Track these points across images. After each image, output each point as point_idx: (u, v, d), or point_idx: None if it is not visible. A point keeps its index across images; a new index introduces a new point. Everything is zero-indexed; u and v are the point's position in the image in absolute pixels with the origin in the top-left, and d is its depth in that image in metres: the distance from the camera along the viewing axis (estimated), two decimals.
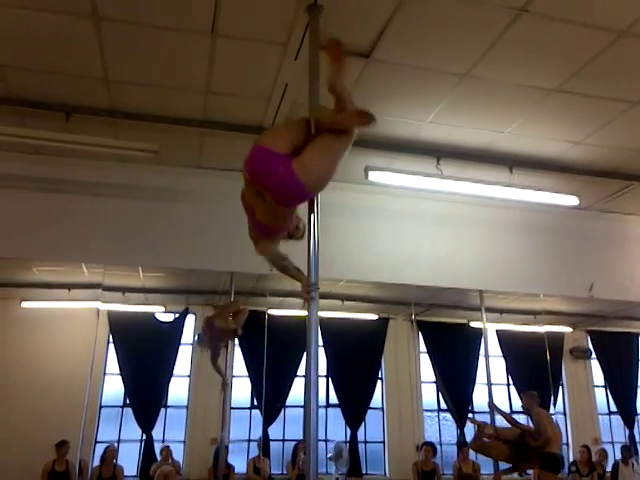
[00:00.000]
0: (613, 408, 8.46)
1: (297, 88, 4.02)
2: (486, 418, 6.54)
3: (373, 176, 4.93)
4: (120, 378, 6.86)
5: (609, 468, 7.79)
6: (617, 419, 8.43)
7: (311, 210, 2.57)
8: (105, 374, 7.07)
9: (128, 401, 6.95)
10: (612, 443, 8.27)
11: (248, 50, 3.82)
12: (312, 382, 2.13)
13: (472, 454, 7.47)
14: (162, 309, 7.17)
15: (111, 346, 7.06)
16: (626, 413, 8.40)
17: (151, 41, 3.74)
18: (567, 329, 8.31)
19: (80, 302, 6.66)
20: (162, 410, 7.02)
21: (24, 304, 6.68)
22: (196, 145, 5.05)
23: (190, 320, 7.37)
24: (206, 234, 5.28)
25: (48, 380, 6.52)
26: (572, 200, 5.39)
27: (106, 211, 5.14)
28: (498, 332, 8.09)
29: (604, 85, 4.18)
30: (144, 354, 6.73)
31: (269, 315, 6.47)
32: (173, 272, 6.27)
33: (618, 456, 7.89)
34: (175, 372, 7.00)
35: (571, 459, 7.71)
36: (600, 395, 8.52)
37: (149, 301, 7.07)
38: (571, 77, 4.08)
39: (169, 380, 7.02)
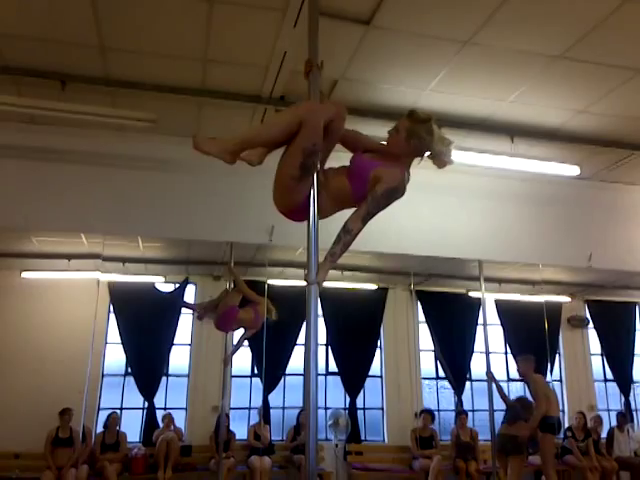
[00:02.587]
0: (609, 376, 8.58)
1: (296, 56, 3.96)
2: (483, 386, 6.62)
3: None
4: (121, 347, 6.93)
5: (604, 434, 7.94)
6: (613, 386, 8.55)
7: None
8: (106, 343, 7.14)
9: (130, 370, 7.04)
10: (607, 410, 8.41)
11: (246, 16, 3.75)
12: (312, 351, 2.15)
13: (470, 421, 7.61)
14: (162, 279, 7.20)
15: (112, 316, 7.11)
16: (622, 381, 8.51)
17: (147, 7, 3.66)
18: (565, 298, 8.37)
19: (80, 272, 6.68)
20: (163, 379, 7.12)
21: (24, 274, 6.70)
22: (194, 114, 5.00)
23: (190, 290, 7.41)
24: (205, 204, 5.27)
25: (50, 350, 6.59)
26: (573, 170, 5.37)
27: (104, 181, 5.12)
28: (497, 302, 8.14)
29: (608, 52, 4.11)
30: (145, 324, 6.78)
31: (269, 285, 6.49)
32: (173, 242, 6.27)
33: (613, 423, 8.03)
34: (176, 341, 7.06)
35: (567, 425, 7.85)
36: (596, 363, 8.64)
37: (149, 271, 7.08)
38: (575, 44, 4.01)
39: (170, 349, 7.09)
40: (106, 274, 6.77)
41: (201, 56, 4.20)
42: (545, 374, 7.36)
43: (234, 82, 4.53)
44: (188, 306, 6.67)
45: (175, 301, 7.18)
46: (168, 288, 7.34)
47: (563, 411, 8.13)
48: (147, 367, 7.00)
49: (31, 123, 4.90)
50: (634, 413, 8.52)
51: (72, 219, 5.06)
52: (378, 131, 4.92)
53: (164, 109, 4.65)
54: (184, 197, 5.25)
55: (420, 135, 2.32)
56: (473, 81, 4.51)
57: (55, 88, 4.32)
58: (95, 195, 5.07)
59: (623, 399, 8.48)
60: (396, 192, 2.34)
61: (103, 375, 7.08)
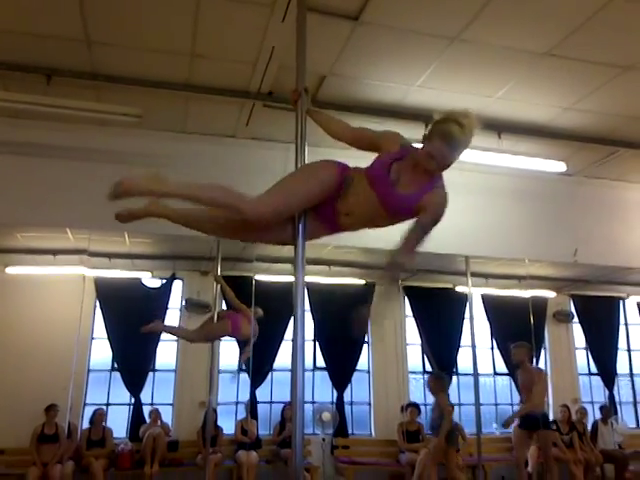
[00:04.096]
0: (593, 369, 8.69)
1: (284, 51, 3.94)
2: (469, 380, 6.68)
3: None
4: (108, 343, 6.90)
5: (589, 427, 8.03)
6: (597, 380, 8.66)
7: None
8: (92, 339, 7.11)
9: (116, 365, 7.01)
10: (592, 403, 8.51)
11: (233, 11, 3.72)
12: (299, 346, 2.17)
13: (455, 415, 7.66)
14: (149, 275, 7.17)
15: (98, 311, 7.07)
16: (606, 374, 8.62)
17: (134, 1, 3.62)
18: (551, 293, 8.45)
19: (66, 267, 6.63)
20: (150, 374, 7.10)
21: (9, 270, 6.64)
22: (181, 109, 4.96)
23: (177, 286, 7.38)
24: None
25: (35, 345, 6.54)
26: (559, 166, 5.41)
27: (90, 176, 5.05)
28: (483, 296, 8.20)
29: (595, 49, 4.13)
30: (131, 319, 6.72)
31: (256, 281, 6.48)
32: (159, 238, 6.23)
33: (597, 416, 8.13)
34: (163, 337, 7.03)
35: (551, 418, 7.93)
36: (581, 357, 8.74)
37: (136, 267, 7.05)
38: (562, 41, 4.02)
39: (157, 345, 7.07)
40: (92, 269, 6.73)
41: (188, 51, 4.17)
42: None
43: (221, 77, 4.50)
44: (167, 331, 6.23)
45: (162, 297, 7.16)
46: (155, 284, 7.32)
47: (548, 404, 8.23)
48: (134, 363, 6.98)
49: (16, 118, 4.83)
50: (618, 406, 8.64)
51: (57, 214, 5.00)
52: (366, 126, 4.95)
53: (150, 104, 4.60)
54: None
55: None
56: (461, 77, 4.52)
57: (40, 82, 4.27)
58: (80, 190, 5.01)
59: (607, 392, 8.59)
60: (443, 213, 2.17)
61: (89, 371, 7.05)
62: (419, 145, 2.17)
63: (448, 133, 2.05)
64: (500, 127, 5.20)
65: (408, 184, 2.13)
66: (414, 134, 4.98)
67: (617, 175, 6.28)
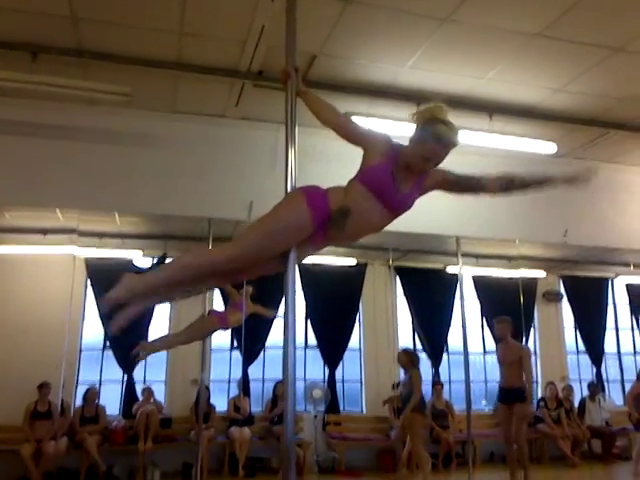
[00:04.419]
0: (582, 348, 8.81)
1: (274, 30, 3.89)
2: (460, 359, 6.76)
3: None
4: (100, 322, 6.91)
5: (576, 403, 8.17)
6: (585, 358, 8.80)
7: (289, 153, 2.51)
8: (84, 318, 7.12)
9: (108, 344, 7.04)
10: (579, 381, 8.65)
11: None
12: (290, 324, 2.19)
13: (445, 392, 7.78)
14: (140, 254, 7.16)
15: (89, 291, 7.08)
16: (594, 352, 8.75)
17: None
18: (541, 273, 8.52)
19: (56, 247, 6.61)
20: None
21: None
22: (170, 89, 4.92)
23: None
24: (182, 179, 5.21)
25: (26, 324, 6.56)
26: (550, 147, 5.41)
27: (79, 155, 5.03)
28: (474, 277, 8.26)
29: (586, 31, 4.11)
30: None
31: None
32: (150, 217, 6.22)
33: (585, 393, 8.27)
34: (154, 315, 7.05)
35: (540, 396, 8.07)
36: (570, 336, 8.86)
37: (126, 246, 7.04)
38: (554, 22, 4.00)
39: (149, 323, 7.08)
40: (82, 248, 6.71)
41: (177, 29, 4.11)
42: None
43: (211, 56, 4.45)
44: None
45: None
46: (146, 263, 7.31)
47: (536, 382, 8.35)
48: (126, 341, 6.97)
49: (2, 96, 4.77)
50: (605, 384, 8.79)
51: (46, 193, 4.98)
52: (356, 107, 4.93)
53: (139, 83, 4.55)
54: (161, 172, 5.18)
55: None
56: (452, 58, 4.49)
57: (25, 60, 4.21)
58: (69, 169, 4.99)
59: (595, 370, 8.73)
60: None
61: (81, 349, 7.09)
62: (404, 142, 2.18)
63: (439, 135, 2.09)
64: (491, 108, 5.19)
65: (407, 182, 2.16)
66: (405, 115, 4.97)
67: (607, 157, 6.28)
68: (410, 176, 2.15)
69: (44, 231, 6.38)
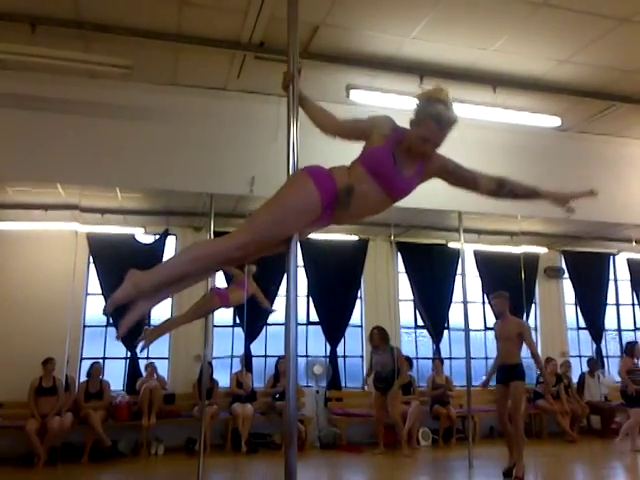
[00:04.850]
0: (582, 324, 8.84)
1: (276, 1, 3.83)
2: (461, 335, 6.78)
3: (355, 95, 4.82)
4: (102, 299, 6.92)
5: (575, 379, 8.22)
6: (585, 334, 8.84)
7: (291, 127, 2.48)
8: (87, 295, 7.14)
9: (111, 321, 7.06)
10: (579, 357, 8.71)
11: None
12: (291, 301, 2.18)
13: (446, 369, 7.83)
14: (142, 230, 7.15)
15: (92, 267, 7.08)
16: (594, 329, 8.79)
17: None
18: (542, 249, 8.52)
19: (57, 223, 6.59)
20: (145, 329, 7.14)
21: (0, 225, 6.59)
22: (171, 61, 4.86)
23: (170, 241, 7.38)
24: (185, 154, 5.17)
25: (29, 300, 6.57)
26: (554, 121, 5.37)
27: (79, 129, 4.98)
28: (475, 252, 8.26)
29: (592, 1, 4.05)
30: (124, 275, 6.75)
31: None
32: (152, 193, 6.20)
33: (585, 369, 8.31)
34: None
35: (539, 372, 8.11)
36: (570, 312, 8.89)
37: (128, 222, 7.03)
38: None
39: None
40: (84, 225, 6.69)
41: None
42: None
43: (211, 27, 4.39)
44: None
45: (156, 252, 7.15)
46: (148, 239, 7.31)
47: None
48: None
49: (1, 69, 4.72)
50: (605, 359, 8.84)
51: (47, 168, 4.94)
52: (358, 80, 4.89)
53: (140, 56, 4.51)
54: (163, 147, 5.14)
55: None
56: (456, 29, 4.43)
57: (25, 32, 4.16)
58: (71, 144, 4.95)
59: (595, 346, 8.78)
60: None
61: (85, 326, 7.11)
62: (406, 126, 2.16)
63: (437, 114, 2.07)
64: (495, 80, 5.14)
65: (409, 165, 2.15)
66: (408, 87, 4.94)
67: (612, 130, 6.24)
68: (412, 160, 2.15)
69: (46, 207, 6.36)
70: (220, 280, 6.77)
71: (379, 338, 6.66)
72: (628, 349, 7.14)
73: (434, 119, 2.07)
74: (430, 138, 2.10)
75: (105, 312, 2.08)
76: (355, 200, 2.09)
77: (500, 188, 2.31)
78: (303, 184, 2.08)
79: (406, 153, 2.13)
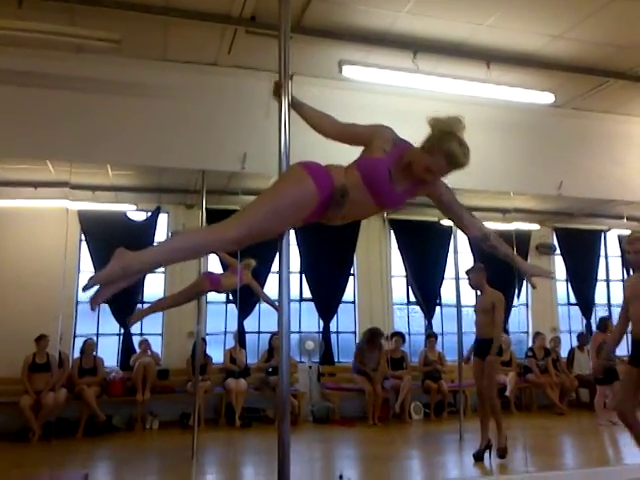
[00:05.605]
0: (572, 300, 8.93)
1: None
2: (453, 311, 6.84)
3: (347, 71, 4.77)
4: None
5: (564, 354, 8.34)
6: (575, 310, 8.93)
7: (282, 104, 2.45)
8: (79, 272, 7.11)
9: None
10: (569, 332, 8.81)
11: None
12: (284, 278, 2.23)
13: (439, 344, 7.92)
14: (133, 207, 7.10)
15: (84, 244, 7.05)
16: (584, 304, 8.88)
17: None
18: (534, 226, 8.55)
19: (48, 200, 6.53)
20: (139, 306, 7.16)
21: None
22: (160, 36, 4.77)
23: (163, 219, 7.34)
24: (175, 130, 5.11)
25: (20, 278, 6.53)
26: (548, 97, 5.34)
27: (68, 106, 4.91)
28: None
29: None
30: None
31: None
32: (143, 170, 6.15)
33: (575, 344, 8.42)
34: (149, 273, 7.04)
35: (530, 345, 8.23)
36: (561, 288, 8.96)
37: (119, 199, 6.98)
38: None
39: (144, 277, 7.09)
40: (75, 202, 6.63)
41: None
42: (512, 299, 7.63)
43: (201, 0, 4.30)
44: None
45: (148, 230, 7.12)
46: (140, 217, 7.27)
47: (527, 333, 8.51)
48: (121, 295, 6.91)
49: None
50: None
51: (36, 145, 4.87)
52: (351, 56, 4.82)
53: (128, 30, 4.42)
54: (153, 123, 5.08)
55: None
56: (450, 3, 4.37)
57: (11, 5, 4.06)
58: (59, 120, 4.88)
59: (585, 321, 8.88)
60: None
61: (77, 303, 7.10)
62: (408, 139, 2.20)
63: (452, 154, 2.07)
64: (489, 56, 5.09)
65: (402, 180, 2.15)
66: (403, 63, 4.89)
67: (606, 107, 6.21)
68: (407, 177, 2.14)
69: (35, 184, 6.29)
70: (216, 268, 6.80)
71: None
72: (601, 324, 7.21)
73: (446, 157, 2.07)
74: (435, 172, 2.10)
75: (85, 289, 2.03)
76: (347, 204, 2.11)
77: (483, 241, 2.33)
78: (301, 179, 2.08)
79: (403, 170, 2.13)
